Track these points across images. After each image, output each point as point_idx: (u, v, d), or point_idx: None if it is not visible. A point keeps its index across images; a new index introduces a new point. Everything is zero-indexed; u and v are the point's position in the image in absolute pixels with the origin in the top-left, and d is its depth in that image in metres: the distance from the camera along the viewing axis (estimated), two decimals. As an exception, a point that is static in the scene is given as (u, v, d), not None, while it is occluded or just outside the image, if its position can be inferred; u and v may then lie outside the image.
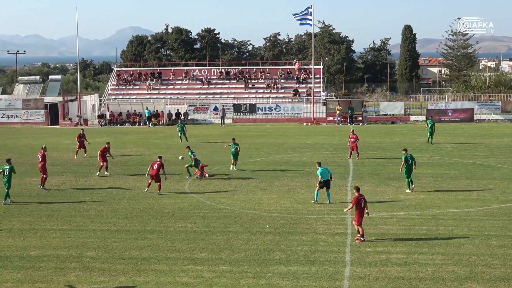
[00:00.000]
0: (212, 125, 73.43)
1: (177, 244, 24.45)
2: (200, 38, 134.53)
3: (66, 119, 77.15)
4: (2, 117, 77.79)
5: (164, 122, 74.93)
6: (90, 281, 20.46)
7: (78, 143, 47.87)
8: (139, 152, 50.82)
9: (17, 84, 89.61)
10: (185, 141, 54.60)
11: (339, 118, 73.57)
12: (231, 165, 41.50)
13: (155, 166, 34.36)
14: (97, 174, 40.08)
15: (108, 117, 76.87)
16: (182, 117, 74.01)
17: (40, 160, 37.01)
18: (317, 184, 31.60)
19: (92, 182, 37.91)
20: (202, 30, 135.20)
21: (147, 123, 74.05)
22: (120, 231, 26.60)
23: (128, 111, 76.80)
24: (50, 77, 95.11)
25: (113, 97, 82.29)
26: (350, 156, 44.81)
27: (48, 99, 79.71)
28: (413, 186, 33.80)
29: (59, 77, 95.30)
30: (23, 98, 79.33)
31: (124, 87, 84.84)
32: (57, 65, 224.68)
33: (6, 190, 32.53)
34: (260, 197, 32.88)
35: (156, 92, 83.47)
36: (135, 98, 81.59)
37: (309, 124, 73.29)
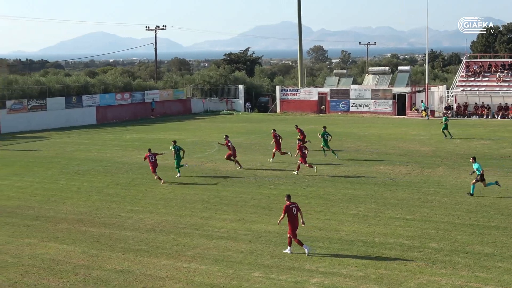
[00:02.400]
0: None
1: (524, 243, 23.46)
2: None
3: (413, 110, 77.71)
4: (352, 106, 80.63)
5: (513, 115, 71.96)
6: (431, 272, 20.49)
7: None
8: (486, 145, 49.45)
9: (367, 74, 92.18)
10: (449, 136, 53.04)
11: None
12: None
13: None
14: None
15: (455, 109, 75.87)
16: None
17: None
18: (476, 178, 31.54)
19: (436, 173, 37.72)
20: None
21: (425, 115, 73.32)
22: (463, 224, 26.20)
23: (475, 103, 75.15)
24: (399, 68, 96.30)
25: (461, 88, 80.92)
26: None
27: (396, 89, 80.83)
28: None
29: (407, 68, 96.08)
30: (372, 88, 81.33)
31: (472, 78, 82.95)
32: (406, 56, 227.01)
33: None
34: None
35: (506, 84, 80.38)
36: (484, 90, 79.37)
37: None
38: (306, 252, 22.35)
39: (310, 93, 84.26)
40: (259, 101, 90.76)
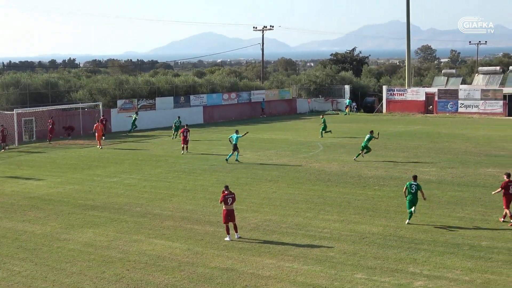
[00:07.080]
0: None
1: None
2: None
3: (525, 110, 75.28)
4: (460, 106, 78.93)
5: None
6: (541, 278, 19.86)
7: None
8: None
9: (476, 74, 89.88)
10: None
11: None
12: None
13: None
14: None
15: None
16: None
17: None
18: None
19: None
20: None
21: None
22: None
23: None
24: (511, 67, 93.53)
25: None
26: None
27: (508, 90, 78.49)
28: None
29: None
30: (481, 89, 79.36)
31: None
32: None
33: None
34: None
35: None
36: None
37: None
38: (228, 239, 24.78)
39: (417, 93, 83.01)
40: (365, 101, 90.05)
